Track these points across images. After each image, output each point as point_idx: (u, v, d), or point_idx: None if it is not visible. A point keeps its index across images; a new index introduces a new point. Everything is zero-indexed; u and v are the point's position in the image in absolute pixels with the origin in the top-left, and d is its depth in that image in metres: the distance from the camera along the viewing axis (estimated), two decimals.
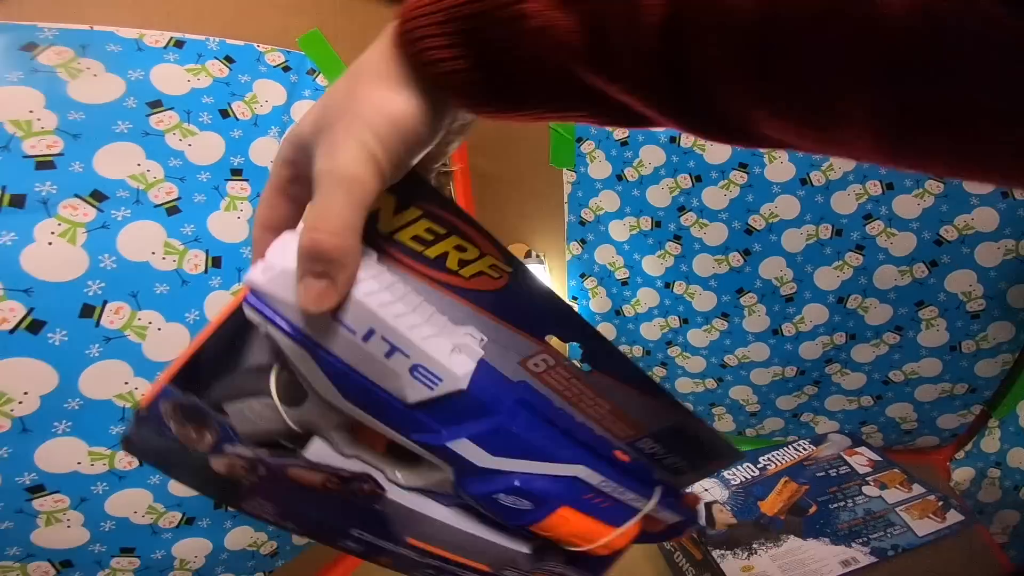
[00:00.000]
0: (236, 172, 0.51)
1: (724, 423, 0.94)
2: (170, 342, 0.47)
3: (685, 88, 0.18)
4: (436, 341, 0.23)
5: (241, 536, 0.59)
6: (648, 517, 0.31)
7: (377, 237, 0.22)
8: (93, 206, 0.43)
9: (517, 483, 0.27)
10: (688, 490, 0.32)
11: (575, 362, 0.26)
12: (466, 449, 0.25)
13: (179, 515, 0.54)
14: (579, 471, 0.28)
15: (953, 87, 0.13)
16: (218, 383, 0.24)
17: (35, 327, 0.42)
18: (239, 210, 0.51)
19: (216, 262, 0.50)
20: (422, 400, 0.23)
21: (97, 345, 0.45)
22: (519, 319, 0.25)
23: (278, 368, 0.24)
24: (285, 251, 0.21)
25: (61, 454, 0.46)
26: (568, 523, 0.29)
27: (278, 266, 0.21)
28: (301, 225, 0.22)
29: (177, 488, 0.53)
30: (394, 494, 0.27)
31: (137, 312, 0.45)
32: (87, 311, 0.43)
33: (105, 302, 0.44)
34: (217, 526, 0.57)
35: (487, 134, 0.96)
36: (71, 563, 0.49)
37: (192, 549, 0.55)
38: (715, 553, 0.66)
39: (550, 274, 0.99)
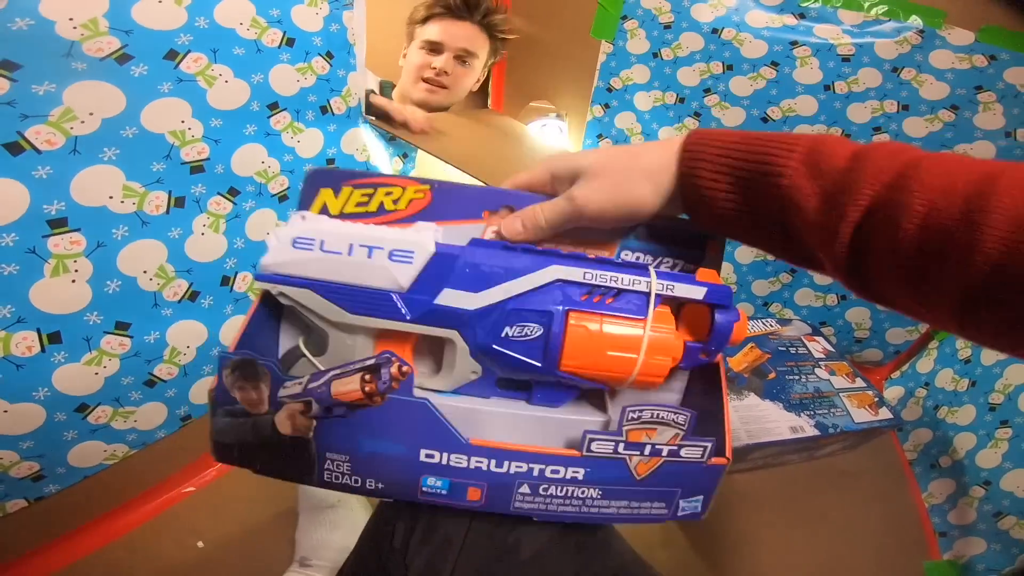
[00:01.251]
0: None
1: None
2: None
3: (860, 268, 0.27)
4: (400, 232, 0.31)
5: (236, 328, 0.53)
6: (677, 306, 0.32)
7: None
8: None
9: (511, 306, 0.30)
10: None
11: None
12: (453, 298, 0.30)
13: (186, 285, 0.52)
14: (556, 272, 0.30)
15: None
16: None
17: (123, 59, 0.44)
18: None
19: None
20: (410, 280, 0.30)
21: (169, 83, 0.47)
22: (456, 213, 0.33)
23: (303, 337, 0.33)
24: (280, 236, 0.30)
25: (98, 183, 0.45)
26: (590, 337, 0.30)
27: (276, 245, 0.30)
28: (286, 222, 0.32)
29: (193, 249, 0.52)
30: (441, 400, 0.30)
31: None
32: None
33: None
34: (218, 308, 0.55)
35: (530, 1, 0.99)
36: (59, 337, 0.46)
37: (186, 335, 0.53)
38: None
39: (568, 132, 1.06)
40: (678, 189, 0.32)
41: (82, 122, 0.44)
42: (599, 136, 1.03)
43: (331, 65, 0.58)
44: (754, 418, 0.71)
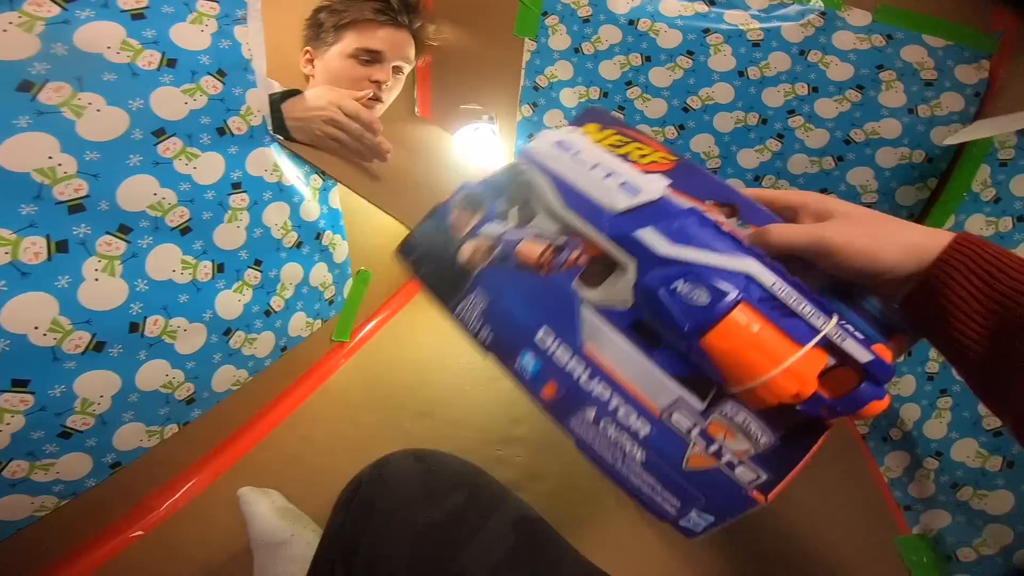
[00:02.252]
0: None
1: None
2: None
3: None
4: (638, 171, 0.37)
5: (155, 373, 0.53)
6: (832, 355, 0.31)
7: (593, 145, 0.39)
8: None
9: (695, 269, 0.31)
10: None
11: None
12: (651, 237, 0.33)
13: (87, 336, 0.47)
14: (751, 267, 0.31)
15: None
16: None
17: None
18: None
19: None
20: (626, 207, 0.35)
21: (26, 117, 0.42)
22: (687, 189, 0.36)
23: (518, 206, 0.39)
24: (547, 135, 0.39)
25: None
26: (744, 331, 0.30)
27: (543, 140, 0.39)
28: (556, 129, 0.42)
29: (88, 297, 0.47)
30: (585, 307, 0.34)
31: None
32: None
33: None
34: (130, 356, 0.51)
35: (453, 2, 0.96)
36: None
37: (97, 386, 0.49)
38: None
39: (500, 134, 1.04)
40: (920, 283, 0.31)
41: None
42: (530, 136, 1.02)
43: (224, 84, 0.53)
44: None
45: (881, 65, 0.83)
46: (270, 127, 0.61)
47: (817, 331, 0.30)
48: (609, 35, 0.90)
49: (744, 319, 0.30)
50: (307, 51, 0.86)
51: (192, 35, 0.51)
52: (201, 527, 0.63)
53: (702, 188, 0.36)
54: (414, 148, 0.92)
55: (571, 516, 0.69)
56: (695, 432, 0.31)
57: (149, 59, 0.48)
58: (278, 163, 0.63)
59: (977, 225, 0.74)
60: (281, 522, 0.61)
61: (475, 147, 1.01)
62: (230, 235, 0.58)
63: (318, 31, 0.83)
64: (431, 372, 0.93)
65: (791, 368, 0.29)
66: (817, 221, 0.34)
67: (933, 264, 0.31)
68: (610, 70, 0.92)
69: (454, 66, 1.01)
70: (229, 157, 0.55)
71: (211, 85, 0.52)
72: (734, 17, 0.87)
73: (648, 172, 0.37)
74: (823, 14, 0.84)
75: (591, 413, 0.33)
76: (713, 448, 0.31)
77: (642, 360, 0.33)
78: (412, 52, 0.88)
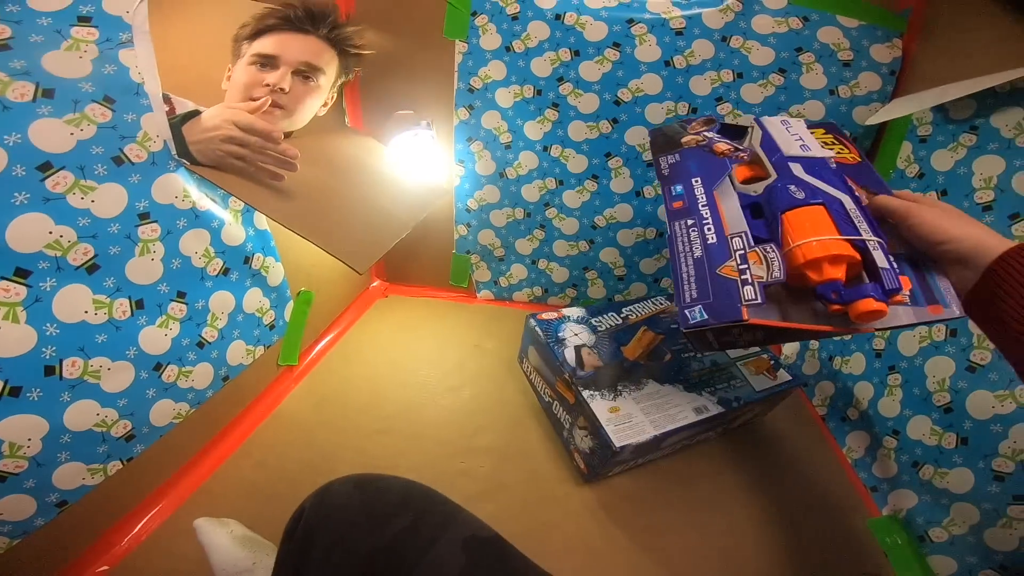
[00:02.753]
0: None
1: (596, 289, 1.12)
2: None
3: None
4: (822, 148, 0.57)
5: (84, 413, 0.52)
6: (865, 261, 0.44)
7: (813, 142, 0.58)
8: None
9: (809, 185, 0.49)
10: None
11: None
12: (795, 167, 0.53)
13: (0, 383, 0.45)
14: (844, 199, 0.47)
15: None
16: None
17: None
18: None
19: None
20: (794, 154, 0.55)
21: None
22: (860, 179, 0.53)
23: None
24: (790, 122, 0.62)
25: None
26: (811, 215, 0.46)
27: (773, 119, 0.63)
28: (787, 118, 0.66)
29: None
30: (730, 179, 0.55)
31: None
32: None
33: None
34: (51, 398, 0.49)
35: (377, 6, 0.94)
36: None
37: (23, 430, 0.47)
38: (585, 394, 0.71)
39: (438, 139, 1.03)
40: (983, 275, 0.40)
41: None
42: (469, 139, 1.00)
43: (113, 111, 0.49)
44: (657, 406, 0.71)
45: (800, 48, 0.85)
46: (173, 152, 0.58)
47: (859, 235, 0.43)
48: (538, 31, 0.89)
49: (819, 209, 0.46)
50: (229, 68, 0.82)
51: (69, 62, 0.47)
52: (165, 559, 0.61)
53: (863, 176, 0.54)
54: (337, 164, 0.88)
55: (539, 523, 0.68)
56: (739, 252, 0.46)
57: (21, 91, 0.44)
58: (188, 189, 0.59)
59: None
60: (242, 551, 0.59)
61: (413, 154, 0.99)
62: (144, 269, 0.55)
63: (236, 47, 0.80)
64: (386, 388, 0.90)
65: (825, 242, 0.43)
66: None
67: (996, 260, 0.39)
68: (541, 67, 0.91)
69: (385, 73, 0.98)
70: (131, 187, 0.52)
71: (98, 113, 0.49)
72: (656, 6, 0.87)
73: (829, 155, 0.56)
74: None
75: (691, 221, 0.52)
76: (743, 266, 0.45)
77: (741, 214, 0.50)
78: (323, 59, 0.83)
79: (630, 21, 0.87)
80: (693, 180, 0.56)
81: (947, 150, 0.71)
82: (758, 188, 0.52)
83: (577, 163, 0.99)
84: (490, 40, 0.92)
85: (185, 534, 0.60)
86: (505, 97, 0.95)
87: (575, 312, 0.85)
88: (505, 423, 0.85)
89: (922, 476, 0.66)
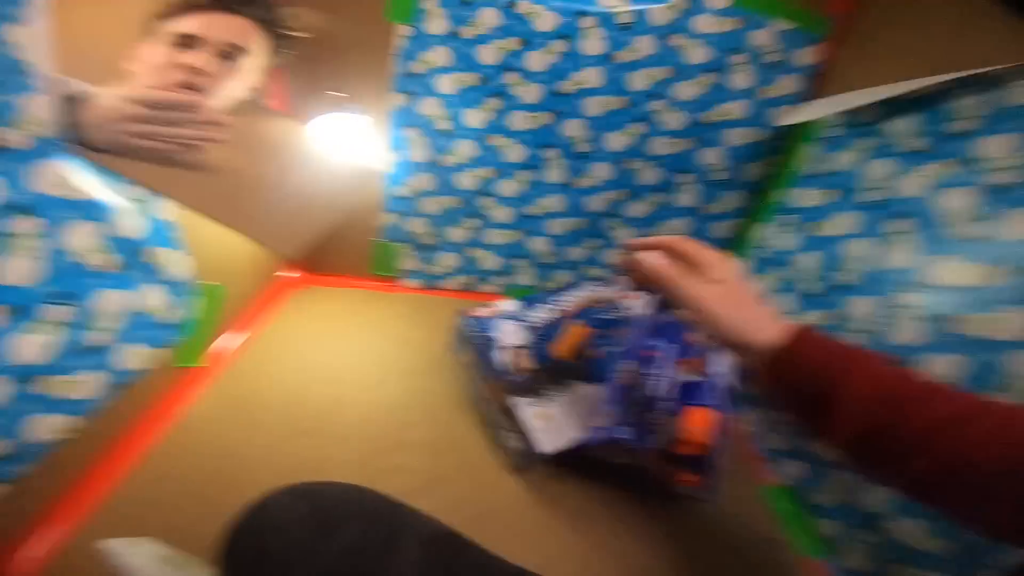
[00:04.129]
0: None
1: (526, 277, 1.13)
2: None
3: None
4: None
5: None
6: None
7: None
8: None
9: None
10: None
11: None
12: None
13: None
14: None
15: None
16: None
17: None
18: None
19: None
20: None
21: None
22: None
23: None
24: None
25: None
26: (707, 417, 0.65)
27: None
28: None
29: None
30: None
31: None
32: None
33: None
34: None
35: None
36: None
37: None
38: (514, 399, 0.73)
39: (371, 124, 0.97)
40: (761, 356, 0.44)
41: None
42: (404, 127, 0.95)
43: None
44: (586, 408, 0.71)
45: (735, 48, 0.88)
46: (63, 137, 0.50)
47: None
48: (488, 18, 0.85)
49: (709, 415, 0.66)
50: (139, 49, 0.73)
51: None
52: None
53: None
54: (260, 149, 0.80)
55: (485, 512, 0.68)
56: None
57: None
58: (78, 178, 0.51)
59: (813, 197, 0.82)
60: (163, 571, 0.53)
61: (344, 140, 0.93)
62: (20, 269, 0.47)
63: (153, 27, 0.71)
64: (307, 386, 0.85)
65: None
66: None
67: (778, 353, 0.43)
68: (488, 55, 0.88)
69: (317, 54, 0.90)
70: (8, 176, 0.44)
71: None
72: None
73: None
74: None
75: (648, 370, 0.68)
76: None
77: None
78: (250, 39, 0.75)
79: (581, 14, 0.85)
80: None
81: (848, 151, 0.76)
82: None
83: (515, 153, 0.98)
84: (437, 25, 0.86)
85: (88, 560, 0.54)
86: (447, 84, 0.91)
87: (507, 306, 0.84)
88: (436, 415, 0.83)
89: (806, 446, 0.74)
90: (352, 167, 0.94)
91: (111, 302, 0.57)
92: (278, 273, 1.11)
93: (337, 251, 1.10)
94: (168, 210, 0.67)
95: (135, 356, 0.62)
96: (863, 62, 0.82)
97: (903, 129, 0.68)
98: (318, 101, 0.93)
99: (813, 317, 0.76)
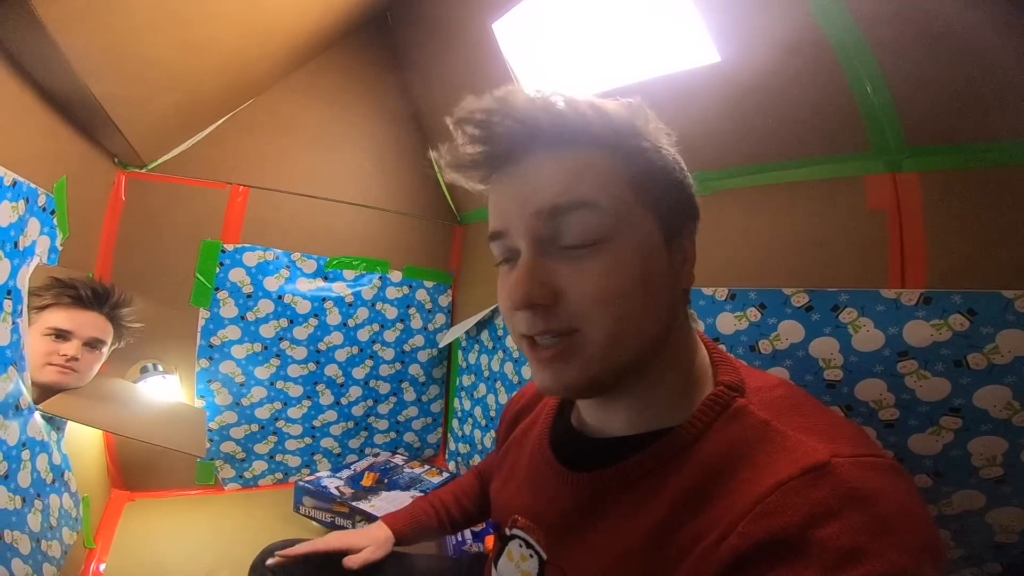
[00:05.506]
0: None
1: (323, 465, 1.57)
2: None
3: None
4: None
5: None
6: None
7: None
8: None
9: None
10: None
11: None
12: None
13: None
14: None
15: None
16: None
17: None
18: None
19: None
20: None
21: None
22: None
23: None
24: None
25: None
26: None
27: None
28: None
29: None
30: None
31: None
32: None
33: None
34: None
35: (132, 271, 1.29)
36: None
37: None
38: (355, 503, 1.24)
39: (180, 382, 1.37)
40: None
41: None
42: (209, 381, 1.40)
43: None
44: (392, 501, 1.25)
45: (409, 304, 1.68)
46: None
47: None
48: (265, 306, 1.45)
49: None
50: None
51: None
52: None
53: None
54: (121, 397, 1.13)
55: None
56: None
57: None
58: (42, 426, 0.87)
59: (470, 379, 1.59)
60: None
61: (161, 393, 1.30)
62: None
63: (30, 315, 0.94)
64: None
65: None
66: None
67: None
68: (268, 330, 1.46)
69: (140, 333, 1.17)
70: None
71: None
72: (338, 288, 1.55)
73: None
74: (381, 277, 1.62)
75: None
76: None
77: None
78: (106, 332, 1.06)
79: (324, 299, 1.54)
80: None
81: (473, 351, 1.60)
82: None
83: (295, 390, 1.52)
84: (229, 310, 1.40)
85: None
86: (240, 351, 1.43)
87: (325, 473, 1.34)
88: None
89: None
90: (180, 408, 1.31)
91: (54, 502, 0.86)
92: (107, 492, 1.28)
93: (160, 471, 1.36)
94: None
95: (67, 534, 0.89)
96: (470, 297, 1.71)
97: (489, 335, 1.55)
98: (135, 365, 1.30)
99: None
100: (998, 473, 0.62)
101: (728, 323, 0.86)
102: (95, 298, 1.02)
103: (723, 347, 0.66)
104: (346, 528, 1.23)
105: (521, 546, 0.53)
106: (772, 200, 0.87)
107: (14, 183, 0.78)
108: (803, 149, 0.82)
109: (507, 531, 0.56)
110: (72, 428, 1.00)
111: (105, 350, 1.08)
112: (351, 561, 0.70)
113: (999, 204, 0.64)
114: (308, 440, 1.55)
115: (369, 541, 0.74)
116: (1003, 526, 0.63)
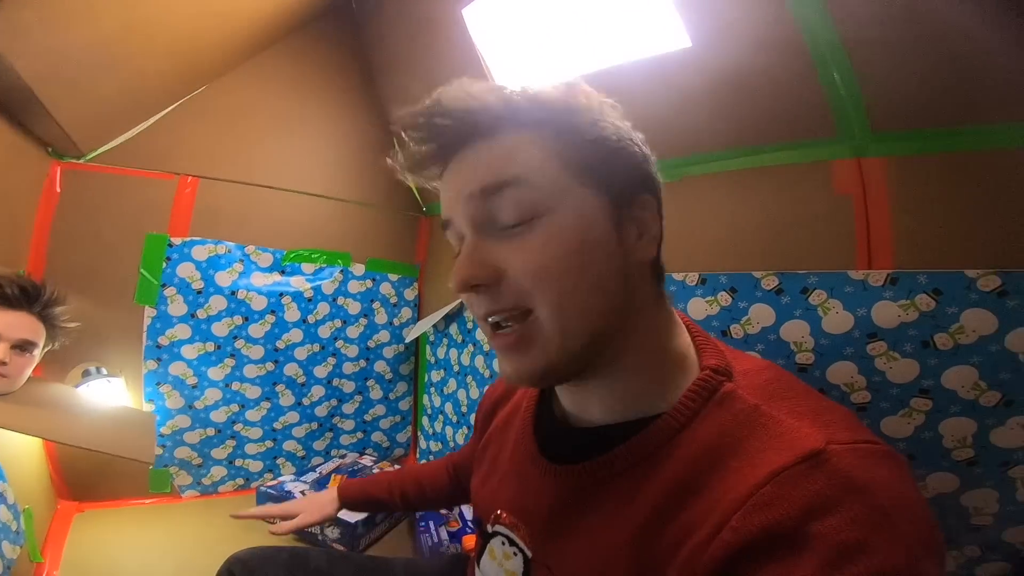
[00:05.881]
0: None
1: (287, 469, 1.49)
2: None
3: None
4: None
5: None
6: None
7: None
8: None
9: None
10: None
11: None
12: None
13: None
14: None
15: None
16: None
17: None
18: None
19: None
20: None
21: None
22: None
23: None
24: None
25: None
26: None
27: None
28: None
29: None
30: None
31: None
32: None
33: None
34: None
35: (69, 268, 1.20)
36: None
37: None
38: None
39: (126, 385, 1.28)
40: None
41: None
42: (158, 384, 1.31)
43: None
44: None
45: (373, 298, 1.63)
46: None
47: None
48: (218, 303, 1.37)
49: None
50: None
51: None
52: None
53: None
54: (59, 403, 1.06)
55: None
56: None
57: None
58: None
59: (439, 375, 1.56)
60: None
61: (105, 397, 1.22)
62: None
63: None
64: None
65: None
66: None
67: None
68: (221, 329, 1.38)
69: (78, 334, 1.13)
70: None
71: None
72: (297, 282, 1.48)
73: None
74: (343, 270, 1.56)
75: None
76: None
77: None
78: (38, 333, 0.98)
79: (281, 294, 1.47)
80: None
81: (441, 346, 1.56)
82: None
83: (253, 392, 1.44)
84: (177, 308, 1.30)
85: None
86: (190, 351, 1.35)
87: (288, 477, 1.27)
88: None
89: None
90: (126, 413, 1.22)
91: None
92: (52, 504, 1.20)
93: (111, 479, 1.28)
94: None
95: (8, 548, 0.84)
96: (436, 292, 1.68)
97: (455, 330, 1.52)
98: (75, 368, 1.21)
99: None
100: (969, 455, 0.63)
101: (700, 308, 0.86)
102: (23, 296, 0.94)
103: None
104: (315, 534, 1.18)
105: (504, 543, 0.51)
106: (742, 185, 0.87)
107: None
108: (771, 135, 0.82)
109: (488, 528, 0.54)
110: (5, 436, 0.94)
111: (37, 352, 1.00)
112: (275, 529, 0.83)
113: (961, 187, 0.66)
114: (269, 443, 1.48)
115: (304, 508, 0.84)
116: (977, 508, 0.64)
